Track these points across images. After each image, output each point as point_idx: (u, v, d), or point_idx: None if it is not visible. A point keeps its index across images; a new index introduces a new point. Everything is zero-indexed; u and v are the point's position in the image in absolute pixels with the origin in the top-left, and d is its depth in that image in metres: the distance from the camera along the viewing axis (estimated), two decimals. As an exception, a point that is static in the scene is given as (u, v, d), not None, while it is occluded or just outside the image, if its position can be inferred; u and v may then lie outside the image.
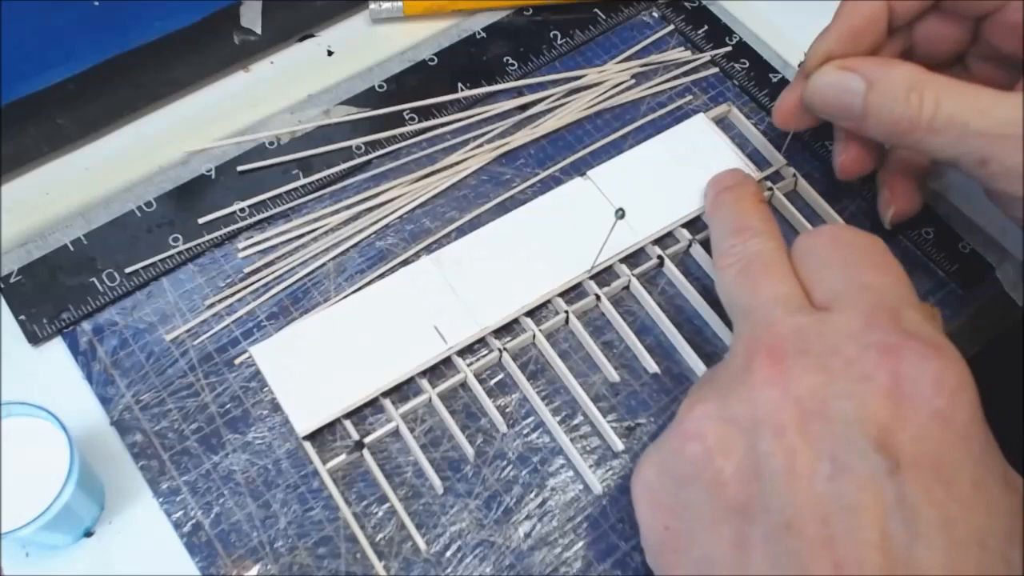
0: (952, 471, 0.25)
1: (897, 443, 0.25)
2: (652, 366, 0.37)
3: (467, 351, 0.38)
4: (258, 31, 0.46)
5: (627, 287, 0.40)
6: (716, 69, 0.47)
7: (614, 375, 0.37)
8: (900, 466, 0.25)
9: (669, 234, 0.41)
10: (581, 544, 0.34)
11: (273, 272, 0.40)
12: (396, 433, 0.36)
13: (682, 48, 0.47)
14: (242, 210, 0.41)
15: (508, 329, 0.38)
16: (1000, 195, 0.33)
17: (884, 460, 0.25)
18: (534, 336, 0.38)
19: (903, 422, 0.26)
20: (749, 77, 0.46)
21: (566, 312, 0.38)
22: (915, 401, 0.26)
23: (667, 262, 0.40)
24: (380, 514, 0.34)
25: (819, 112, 0.36)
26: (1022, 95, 0.31)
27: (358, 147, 0.43)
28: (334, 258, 0.40)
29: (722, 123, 0.45)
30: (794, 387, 0.27)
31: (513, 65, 0.46)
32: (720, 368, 0.31)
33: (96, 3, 0.40)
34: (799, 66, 0.38)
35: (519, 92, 0.45)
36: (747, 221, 0.34)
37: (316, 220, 0.41)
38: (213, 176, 0.42)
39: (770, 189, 0.42)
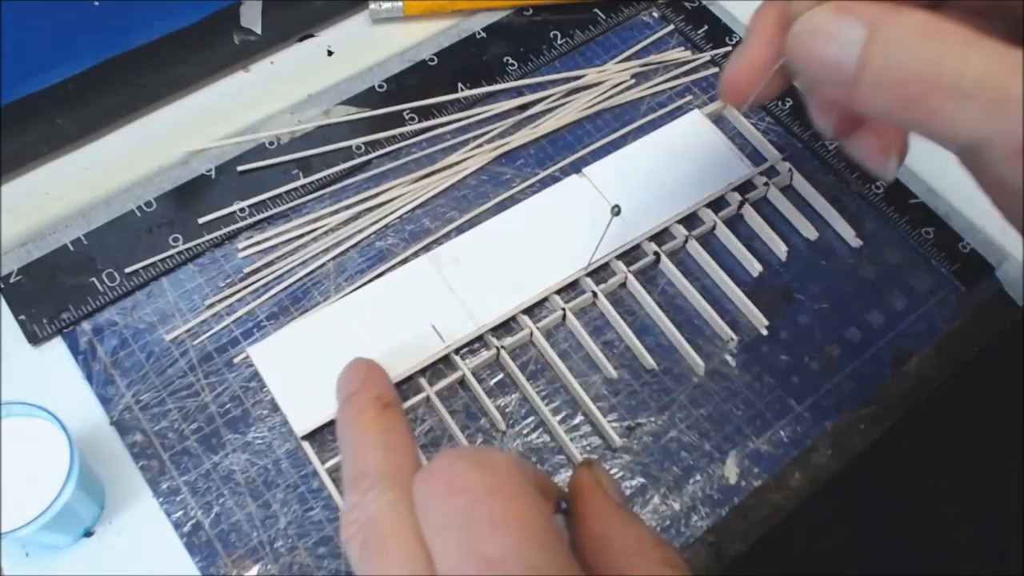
0: None
1: None
2: (650, 362, 0.37)
3: (466, 350, 0.38)
4: (258, 31, 0.46)
5: (624, 284, 0.40)
6: (716, 69, 0.47)
7: (612, 372, 0.37)
8: None
9: (665, 230, 0.41)
10: (581, 544, 0.34)
11: (273, 272, 0.40)
12: (396, 433, 0.36)
13: (682, 48, 0.47)
14: (242, 210, 0.41)
15: (506, 328, 0.38)
16: None
17: None
18: (532, 334, 0.38)
19: None
20: (749, 77, 0.46)
21: (563, 309, 0.38)
22: None
23: (663, 258, 0.40)
24: (380, 514, 0.34)
25: (801, 69, 0.27)
26: None
27: (358, 147, 0.43)
28: (334, 258, 0.40)
29: (719, 120, 0.45)
30: None
31: (513, 65, 0.46)
32: None
33: (96, 3, 0.40)
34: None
35: (519, 92, 0.45)
36: (364, 461, 0.28)
37: (316, 220, 0.41)
38: (213, 176, 0.42)
39: (766, 184, 0.42)
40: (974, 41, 0.24)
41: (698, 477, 0.36)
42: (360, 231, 0.41)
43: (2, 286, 0.38)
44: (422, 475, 0.26)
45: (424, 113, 0.44)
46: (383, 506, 0.26)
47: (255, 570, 0.33)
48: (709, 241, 0.41)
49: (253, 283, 0.39)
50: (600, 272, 0.40)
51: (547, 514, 0.25)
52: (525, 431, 0.36)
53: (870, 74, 0.25)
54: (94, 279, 0.39)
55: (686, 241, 0.41)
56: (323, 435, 0.36)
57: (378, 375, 0.32)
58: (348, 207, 0.41)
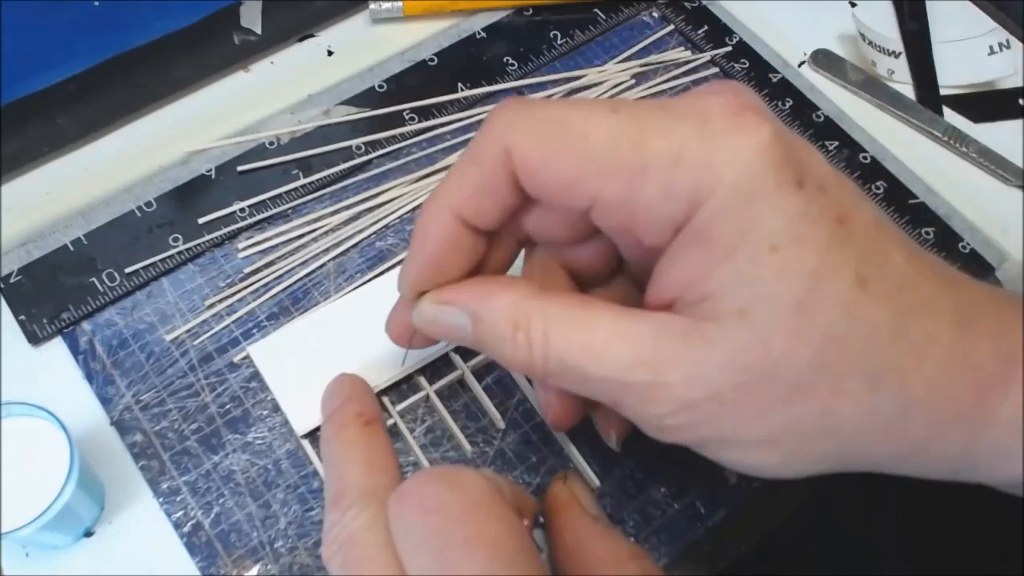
0: None
1: None
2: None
3: (466, 349, 0.38)
4: (258, 31, 0.46)
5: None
6: (716, 69, 0.47)
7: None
8: None
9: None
10: (581, 544, 0.34)
11: (273, 272, 0.40)
12: (396, 433, 0.36)
13: (682, 48, 0.47)
14: (242, 210, 0.41)
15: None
16: None
17: None
18: (534, 336, 0.38)
19: None
20: (749, 77, 0.46)
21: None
22: None
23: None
24: (380, 514, 0.34)
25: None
26: (646, 323, 0.25)
27: (358, 147, 0.43)
28: (334, 258, 0.40)
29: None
30: None
31: (513, 65, 0.46)
32: None
33: (96, 3, 0.40)
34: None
35: (519, 92, 0.45)
36: (344, 478, 0.29)
37: (316, 220, 0.41)
38: (213, 176, 0.42)
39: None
40: (556, 320, 0.26)
41: (698, 477, 0.36)
42: (360, 231, 0.41)
43: (2, 286, 0.38)
44: (396, 496, 0.26)
45: (424, 113, 0.44)
46: (362, 525, 0.27)
47: (255, 570, 0.33)
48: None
49: (253, 283, 0.39)
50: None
51: (521, 532, 0.26)
52: (525, 431, 0.36)
53: (486, 352, 0.28)
54: (94, 279, 0.39)
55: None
56: (323, 435, 0.36)
57: (361, 391, 0.33)
58: (348, 207, 0.41)
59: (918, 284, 0.25)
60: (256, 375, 0.37)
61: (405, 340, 0.32)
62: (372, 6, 0.47)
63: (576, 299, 0.26)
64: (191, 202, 0.41)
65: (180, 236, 0.40)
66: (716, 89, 0.25)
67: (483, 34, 0.47)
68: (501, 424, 0.36)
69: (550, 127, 0.25)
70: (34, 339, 0.37)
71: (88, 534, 0.34)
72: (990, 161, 0.43)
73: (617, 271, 0.31)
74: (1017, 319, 0.25)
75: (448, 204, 0.27)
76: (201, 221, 0.40)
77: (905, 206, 0.42)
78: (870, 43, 0.47)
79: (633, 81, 0.46)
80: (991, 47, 0.47)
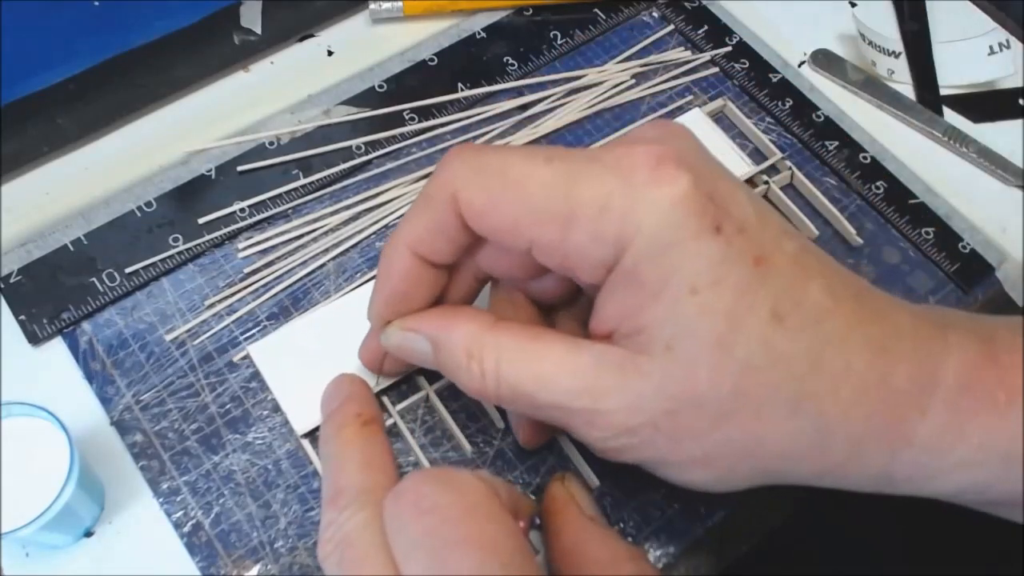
0: None
1: None
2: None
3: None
4: (258, 31, 0.46)
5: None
6: (716, 69, 0.47)
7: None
8: None
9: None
10: (581, 544, 0.34)
11: (273, 272, 0.40)
12: (396, 433, 0.36)
13: (682, 48, 0.47)
14: (242, 210, 0.41)
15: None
16: None
17: None
18: (534, 336, 0.38)
19: None
20: (749, 77, 0.46)
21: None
22: None
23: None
24: (380, 514, 0.34)
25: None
26: (588, 354, 0.27)
27: (358, 147, 0.43)
28: (334, 258, 0.40)
29: (719, 119, 0.45)
30: None
31: (513, 65, 0.46)
32: None
33: (96, 3, 0.40)
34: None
35: (519, 92, 0.45)
36: (341, 478, 0.29)
37: (316, 220, 0.41)
38: (213, 176, 0.42)
39: (767, 183, 0.42)
40: (507, 351, 0.28)
41: (698, 477, 0.36)
42: (360, 231, 0.41)
43: (2, 286, 0.38)
44: (391, 496, 0.27)
45: (424, 113, 0.44)
46: (357, 525, 0.27)
47: (255, 570, 0.33)
48: (709, 241, 0.41)
49: (253, 283, 0.39)
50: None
51: (517, 533, 0.26)
52: (525, 431, 0.36)
53: (447, 376, 0.30)
54: (94, 279, 0.39)
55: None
56: (323, 435, 0.36)
57: (360, 392, 0.33)
58: (348, 207, 0.41)
59: (835, 316, 0.26)
60: (256, 375, 0.37)
61: (376, 366, 0.34)
62: (372, 6, 0.47)
63: (528, 331, 0.28)
64: (191, 202, 0.41)
65: (180, 236, 0.40)
66: (646, 136, 0.27)
67: (483, 34, 0.47)
68: (501, 424, 0.36)
69: (491, 176, 0.27)
70: (34, 339, 0.37)
71: (88, 534, 0.34)
72: (990, 161, 0.43)
73: (579, 292, 0.32)
74: (938, 342, 0.27)
75: (405, 242, 0.30)
76: (201, 221, 0.40)
77: (905, 206, 0.42)
78: (870, 43, 0.47)
79: (633, 81, 0.46)
80: (991, 47, 0.47)
